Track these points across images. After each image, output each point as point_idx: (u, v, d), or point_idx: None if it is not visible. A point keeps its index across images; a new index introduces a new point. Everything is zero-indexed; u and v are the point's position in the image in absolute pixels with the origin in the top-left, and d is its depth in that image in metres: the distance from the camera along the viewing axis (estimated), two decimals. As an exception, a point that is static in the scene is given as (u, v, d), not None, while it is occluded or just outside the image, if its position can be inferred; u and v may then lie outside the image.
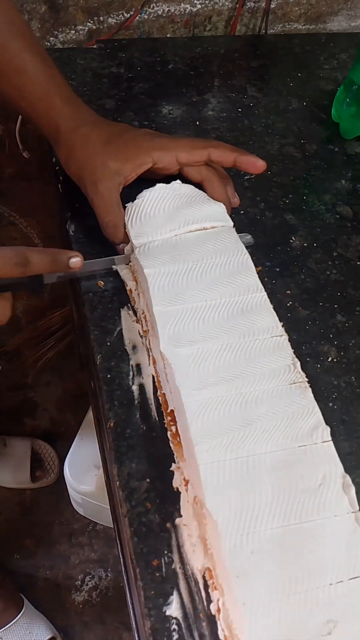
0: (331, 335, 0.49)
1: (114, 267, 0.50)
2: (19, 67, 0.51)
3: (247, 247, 0.48)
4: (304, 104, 0.70)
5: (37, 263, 0.43)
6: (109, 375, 0.44)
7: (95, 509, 1.08)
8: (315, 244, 0.55)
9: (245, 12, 0.83)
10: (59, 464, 1.27)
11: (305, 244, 0.55)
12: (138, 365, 0.45)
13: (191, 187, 0.52)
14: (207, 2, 0.80)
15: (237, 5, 0.81)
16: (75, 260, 0.44)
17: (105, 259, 0.50)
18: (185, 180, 0.52)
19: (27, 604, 1.11)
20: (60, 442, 1.31)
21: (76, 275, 0.49)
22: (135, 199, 0.50)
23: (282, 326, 0.44)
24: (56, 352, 1.33)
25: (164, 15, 0.80)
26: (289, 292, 0.51)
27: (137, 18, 0.79)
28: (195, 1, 0.80)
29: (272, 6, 0.83)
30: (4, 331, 1.32)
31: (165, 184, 0.51)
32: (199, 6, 0.80)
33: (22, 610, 1.09)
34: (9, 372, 1.36)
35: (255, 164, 0.51)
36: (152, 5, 0.78)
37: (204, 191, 0.52)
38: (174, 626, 0.35)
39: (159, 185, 0.51)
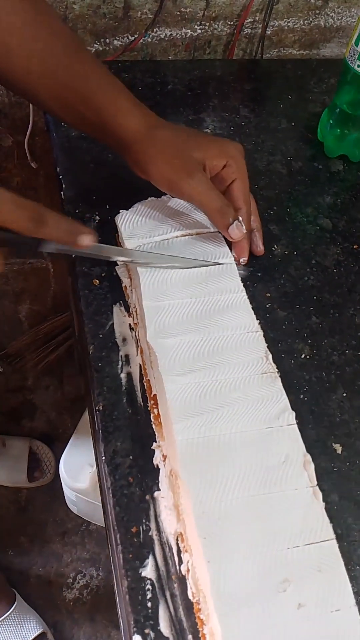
0: (305, 335, 0.53)
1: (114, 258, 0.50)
2: (83, 74, 0.52)
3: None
4: (293, 124, 0.75)
5: (52, 227, 0.40)
6: (100, 364, 0.49)
7: (89, 506, 1.11)
8: (295, 252, 0.60)
9: (242, 38, 0.89)
10: (55, 464, 1.30)
11: (286, 252, 0.60)
12: (127, 356, 0.49)
13: (179, 200, 0.56)
14: (206, 27, 0.86)
15: (235, 31, 0.87)
16: (88, 238, 0.43)
17: (107, 246, 0.50)
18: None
19: (19, 599, 1.13)
20: (58, 443, 1.34)
21: (75, 253, 0.48)
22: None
23: (259, 324, 0.49)
24: (56, 356, 1.37)
25: (166, 39, 0.86)
26: (268, 294, 0.56)
27: (141, 41, 0.84)
28: (196, 26, 0.85)
29: (267, 32, 0.89)
30: (6, 334, 1.37)
31: (155, 198, 0.56)
32: (199, 31, 0.86)
33: (14, 605, 1.11)
34: (10, 374, 1.41)
35: (255, 250, 0.57)
36: (155, 30, 0.84)
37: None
38: (148, 586, 0.39)
39: (151, 198, 0.56)
